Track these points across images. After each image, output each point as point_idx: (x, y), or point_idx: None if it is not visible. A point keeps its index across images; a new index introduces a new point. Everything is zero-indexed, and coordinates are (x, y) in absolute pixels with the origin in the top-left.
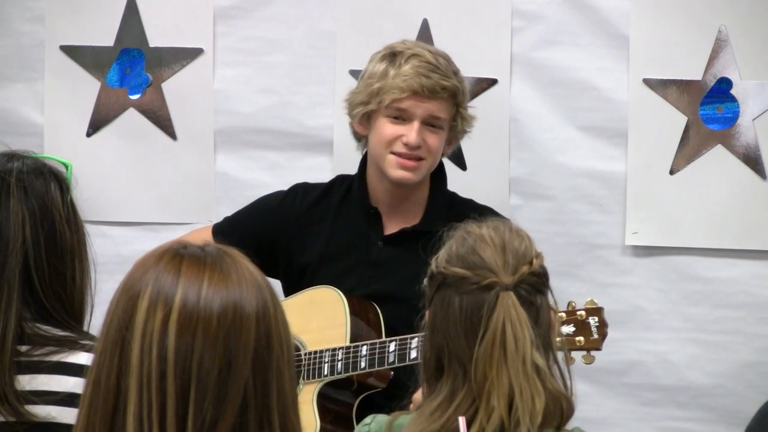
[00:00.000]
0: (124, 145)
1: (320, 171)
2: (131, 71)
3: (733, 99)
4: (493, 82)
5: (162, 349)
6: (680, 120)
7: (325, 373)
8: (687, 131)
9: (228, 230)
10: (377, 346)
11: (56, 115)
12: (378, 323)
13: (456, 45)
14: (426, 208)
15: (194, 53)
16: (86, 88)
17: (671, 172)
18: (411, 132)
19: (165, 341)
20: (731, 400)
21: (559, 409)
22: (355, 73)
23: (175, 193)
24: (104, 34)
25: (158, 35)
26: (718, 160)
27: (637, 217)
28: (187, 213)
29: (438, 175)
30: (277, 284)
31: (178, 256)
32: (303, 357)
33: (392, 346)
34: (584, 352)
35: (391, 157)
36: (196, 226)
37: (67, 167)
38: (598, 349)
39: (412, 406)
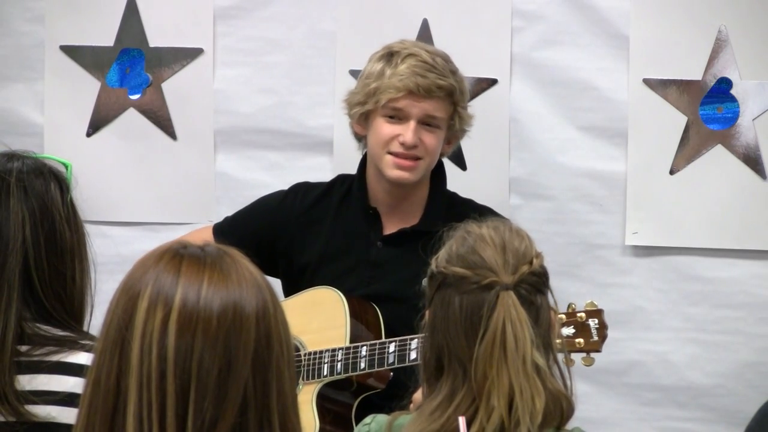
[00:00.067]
0: (124, 145)
1: (320, 171)
2: (131, 71)
3: (733, 99)
4: (493, 82)
5: (162, 349)
6: (680, 120)
7: (325, 373)
8: (687, 131)
9: (228, 230)
10: (377, 346)
11: (56, 115)
12: (378, 324)
13: (456, 45)
14: (425, 209)
15: (194, 53)
16: (86, 88)
17: (671, 172)
18: (407, 131)
19: (165, 341)
20: (731, 400)
21: (559, 408)
22: (355, 73)
23: (175, 193)
24: (104, 34)
25: (158, 35)
26: (718, 160)
27: (637, 217)
28: (187, 213)
29: (438, 175)
30: (277, 284)
31: (177, 256)
32: (303, 357)
33: (392, 347)
34: (584, 354)
35: (388, 158)
36: (196, 226)
37: (67, 167)
38: (598, 351)
39: (412, 406)
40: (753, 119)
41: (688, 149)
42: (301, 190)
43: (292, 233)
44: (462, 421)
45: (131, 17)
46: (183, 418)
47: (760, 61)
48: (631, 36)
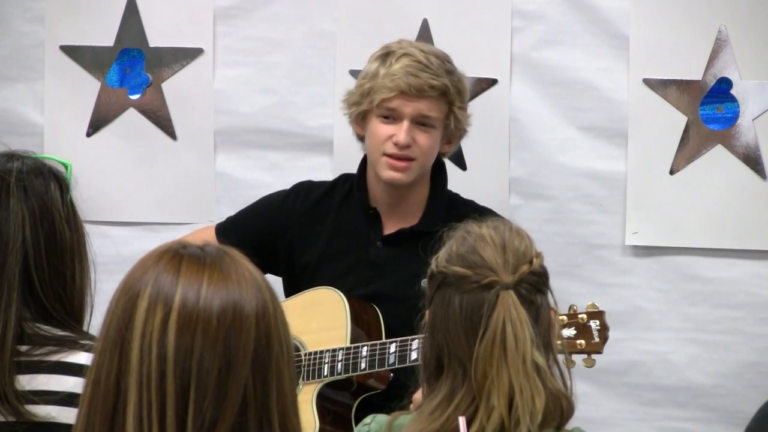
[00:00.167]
0: (124, 145)
1: (320, 171)
2: (131, 71)
3: (733, 99)
4: (493, 82)
5: (162, 349)
6: (680, 120)
7: (325, 373)
8: (687, 131)
9: (231, 229)
10: (378, 347)
11: (56, 115)
12: (378, 325)
13: (456, 45)
14: (425, 209)
15: (194, 53)
16: (86, 88)
17: (671, 172)
18: (400, 131)
19: (165, 341)
20: (731, 400)
21: (559, 408)
22: (355, 73)
23: (175, 193)
24: (104, 34)
25: (158, 35)
26: (718, 160)
27: (637, 217)
28: (187, 213)
29: (439, 176)
30: (278, 283)
31: (177, 256)
32: (303, 357)
33: (393, 348)
34: (585, 356)
35: (383, 159)
36: (196, 226)
37: (66, 167)
38: (599, 352)
39: (412, 406)
40: (753, 119)
41: (688, 149)
42: (304, 189)
43: (293, 232)
44: (462, 420)
45: (131, 17)
46: (183, 418)
47: (760, 61)
48: (631, 36)
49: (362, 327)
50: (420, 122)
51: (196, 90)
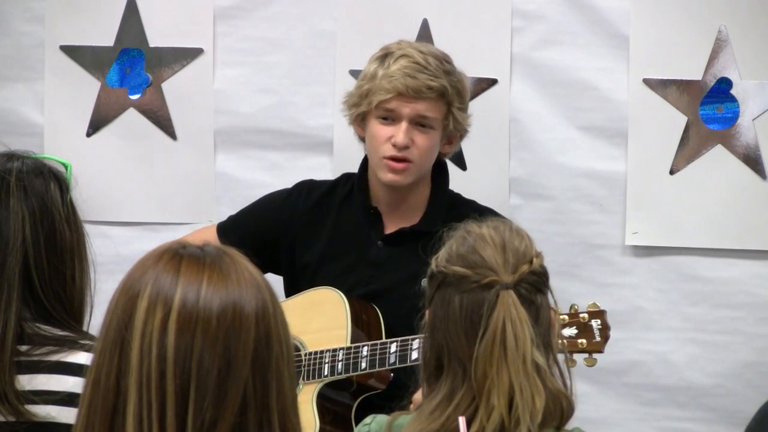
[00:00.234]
0: (124, 145)
1: (320, 171)
2: (131, 71)
3: (733, 99)
4: (493, 82)
5: (161, 349)
6: (680, 120)
7: (325, 373)
8: (687, 131)
9: (232, 228)
10: (378, 346)
11: (56, 115)
12: (378, 326)
13: (456, 45)
14: (426, 209)
15: (194, 53)
16: (86, 88)
17: (671, 172)
18: (398, 132)
19: (164, 341)
20: (731, 400)
21: (559, 408)
22: (355, 73)
23: (175, 193)
24: (104, 34)
25: (158, 35)
26: (718, 160)
27: (637, 217)
28: (187, 213)
29: (440, 176)
30: (278, 283)
31: (177, 256)
32: (303, 357)
33: (393, 347)
34: (586, 355)
35: (382, 162)
36: (196, 226)
37: (66, 167)
38: (601, 351)
39: (412, 406)
40: (753, 119)
41: (688, 149)
42: (305, 188)
43: (295, 231)
44: (462, 420)
45: (131, 17)
46: (183, 418)
47: (760, 61)
48: (631, 36)
49: (362, 327)
50: (418, 123)
51: (196, 90)
